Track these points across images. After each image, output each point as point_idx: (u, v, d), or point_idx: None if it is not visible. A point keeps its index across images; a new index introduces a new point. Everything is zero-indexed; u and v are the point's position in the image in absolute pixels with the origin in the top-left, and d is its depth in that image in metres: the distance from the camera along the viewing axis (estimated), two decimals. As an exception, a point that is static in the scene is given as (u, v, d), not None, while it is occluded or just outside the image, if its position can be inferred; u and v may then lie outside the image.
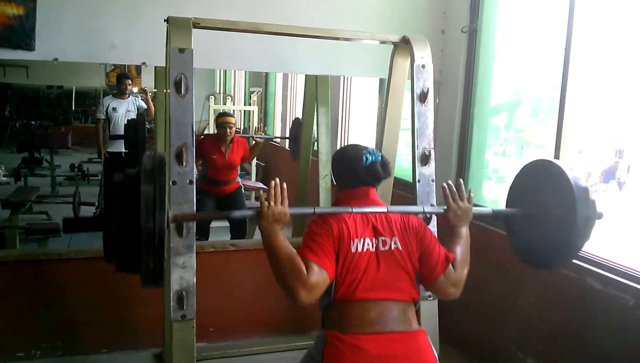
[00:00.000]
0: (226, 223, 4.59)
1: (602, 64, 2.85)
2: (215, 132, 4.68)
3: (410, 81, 2.41)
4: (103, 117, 5.69)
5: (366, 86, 5.56)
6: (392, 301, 1.69)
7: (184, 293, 1.95)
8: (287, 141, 5.49)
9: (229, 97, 9.72)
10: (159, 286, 1.65)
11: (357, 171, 1.77)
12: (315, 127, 4.37)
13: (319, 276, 1.59)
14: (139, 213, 1.46)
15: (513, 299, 2.92)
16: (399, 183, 3.24)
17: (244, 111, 9.93)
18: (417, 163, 2.33)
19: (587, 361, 2.46)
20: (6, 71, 10.76)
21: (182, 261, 1.95)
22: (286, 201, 1.66)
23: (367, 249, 1.68)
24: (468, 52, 3.43)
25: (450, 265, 1.76)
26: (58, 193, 7.42)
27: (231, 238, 4.45)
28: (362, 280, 1.66)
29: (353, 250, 1.66)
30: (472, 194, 1.92)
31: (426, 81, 2.38)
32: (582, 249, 1.89)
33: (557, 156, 2.77)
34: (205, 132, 8.16)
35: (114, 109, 5.65)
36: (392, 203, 2.25)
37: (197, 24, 2.15)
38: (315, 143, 4.39)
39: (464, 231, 1.88)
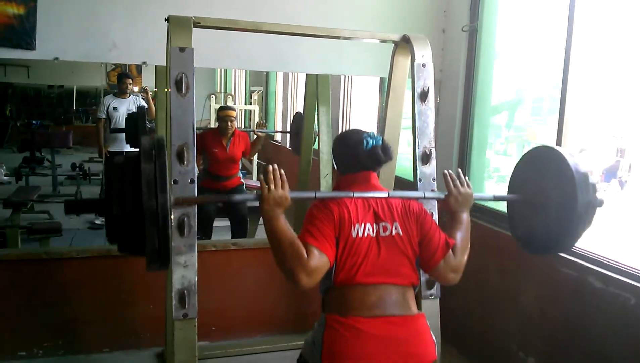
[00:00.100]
0: (228, 222, 4.60)
1: (603, 62, 2.85)
2: (217, 126, 4.68)
3: (410, 79, 2.41)
4: (104, 116, 5.70)
5: (367, 85, 5.56)
6: (392, 285, 1.71)
7: (185, 292, 1.95)
8: (288, 137, 5.49)
9: (230, 97, 9.72)
10: (165, 267, 1.66)
11: (358, 155, 1.78)
12: (316, 126, 4.38)
13: (319, 260, 1.61)
14: (141, 193, 1.47)
15: (514, 298, 2.92)
16: (399, 181, 3.24)
17: (245, 110, 9.93)
18: (418, 162, 2.33)
19: (587, 360, 2.46)
20: (7, 70, 10.77)
21: (183, 260, 1.95)
22: (287, 185, 1.67)
23: (368, 234, 1.69)
24: (469, 51, 3.43)
25: (450, 250, 1.77)
26: (59, 193, 7.43)
27: (232, 237, 4.45)
28: (363, 264, 1.67)
29: (354, 234, 1.67)
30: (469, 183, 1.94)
31: (427, 79, 2.38)
32: (583, 237, 1.90)
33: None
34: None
35: (115, 108, 5.65)
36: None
37: (198, 23, 2.16)
38: (316, 140, 4.39)
39: (465, 216, 1.89)
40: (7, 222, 4.49)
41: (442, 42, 3.56)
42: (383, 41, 2.63)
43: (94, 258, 3.22)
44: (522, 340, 2.87)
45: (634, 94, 2.85)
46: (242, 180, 4.75)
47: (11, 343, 3.10)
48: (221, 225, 4.62)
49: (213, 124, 7.33)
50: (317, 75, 4.26)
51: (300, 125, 4.68)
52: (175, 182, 1.91)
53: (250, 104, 9.78)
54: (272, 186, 1.64)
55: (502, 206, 3.19)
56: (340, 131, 5.66)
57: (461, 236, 1.83)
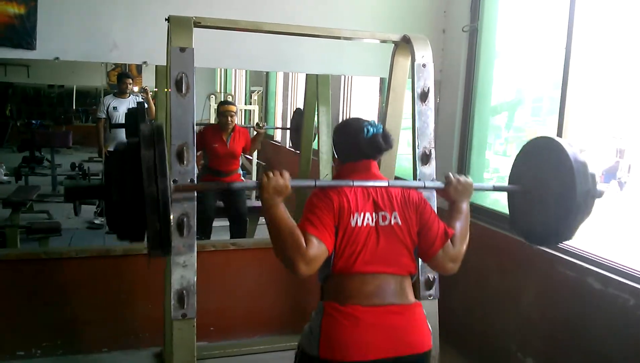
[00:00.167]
0: (227, 222, 4.60)
1: (603, 63, 2.85)
2: (217, 121, 4.67)
3: (410, 80, 2.41)
4: (104, 116, 5.69)
5: (367, 85, 5.56)
6: (390, 275, 1.71)
7: (184, 292, 1.95)
8: (288, 137, 5.49)
9: (230, 97, 9.71)
10: (167, 253, 1.66)
11: (359, 143, 1.77)
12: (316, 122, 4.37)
13: (318, 249, 1.61)
14: (141, 179, 1.47)
15: (513, 299, 2.92)
16: (399, 182, 3.24)
17: (245, 110, 9.93)
18: (418, 162, 2.33)
19: (587, 360, 2.46)
20: (7, 70, 10.75)
21: (182, 260, 1.96)
22: (287, 174, 1.68)
23: (367, 223, 1.69)
24: (469, 51, 3.43)
25: (449, 240, 1.77)
26: (59, 192, 7.42)
27: (231, 237, 4.45)
28: (362, 253, 1.67)
29: (353, 224, 1.67)
30: None
31: (427, 80, 2.39)
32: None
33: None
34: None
35: (115, 108, 5.65)
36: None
37: (198, 23, 2.16)
38: (316, 137, 4.39)
39: (465, 206, 1.88)
40: (6, 222, 4.49)
41: (442, 43, 3.56)
42: (383, 41, 2.63)
43: (93, 258, 3.22)
44: (521, 340, 2.87)
45: (633, 95, 2.85)
46: (242, 178, 4.75)
47: (10, 343, 3.10)
48: (220, 225, 4.62)
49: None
50: (317, 75, 4.26)
51: (300, 121, 4.68)
52: (175, 182, 1.91)
53: (250, 104, 9.77)
54: (272, 174, 1.65)
55: (501, 207, 3.20)
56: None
57: (460, 226, 1.83)
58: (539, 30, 3.13)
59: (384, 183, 1.77)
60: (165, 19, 2.14)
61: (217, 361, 3.23)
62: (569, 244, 2.67)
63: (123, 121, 5.44)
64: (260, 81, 10.13)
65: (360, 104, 5.64)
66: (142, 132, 1.54)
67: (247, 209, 4.64)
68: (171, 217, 1.57)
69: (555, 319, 2.65)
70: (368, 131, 1.76)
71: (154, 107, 5.46)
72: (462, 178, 1.88)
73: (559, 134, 2.77)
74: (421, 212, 1.77)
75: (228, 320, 3.42)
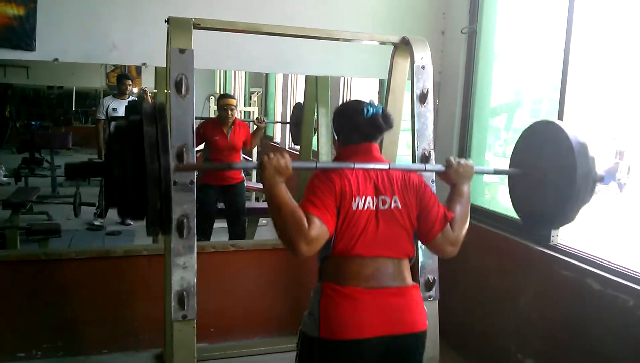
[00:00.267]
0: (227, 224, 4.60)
1: (602, 65, 2.85)
2: (217, 115, 4.64)
3: (410, 81, 2.41)
4: (103, 117, 5.69)
5: (366, 87, 5.56)
6: (388, 258, 1.73)
7: (184, 293, 1.96)
8: (288, 138, 5.48)
9: (229, 97, 9.70)
10: (166, 232, 1.65)
11: (359, 124, 1.77)
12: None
13: (320, 229, 1.61)
14: (143, 155, 1.47)
15: (513, 299, 2.92)
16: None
17: (244, 111, 9.93)
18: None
19: (587, 361, 2.46)
20: (7, 71, 10.75)
21: (182, 261, 1.96)
22: (288, 155, 1.68)
23: (368, 207, 1.70)
24: (468, 53, 3.44)
25: (449, 224, 1.77)
26: (58, 194, 7.41)
27: (230, 238, 4.44)
28: (362, 236, 1.69)
29: (354, 207, 1.68)
30: None
31: (426, 81, 2.39)
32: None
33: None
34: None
35: (114, 109, 5.65)
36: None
37: (198, 25, 2.16)
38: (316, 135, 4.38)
39: (465, 189, 1.87)
40: (6, 223, 4.49)
41: (441, 44, 3.57)
42: (382, 43, 2.64)
43: (92, 259, 3.22)
44: (521, 340, 2.87)
45: (633, 96, 2.85)
46: (243, 174, 4.70)
47: (10, 345, 3.10)
48: (220, 226, 4.62)
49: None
50: (316, 77, 4.26)
51: (300, 115, 4.66)
52: (175, 183, 1.91)
53: (250, 105, 9.78)
54: (273, 155, 1.65)
55: (500, 208, 3.20)
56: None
57: (461, 209, 1.82)
58: (537, 32, 3.14)
59: (385, 166, 1.77)
60: (165, 21, 2.14)
61: (217, 362, 3.23)
62: (568, 245, 2.67)
63: (122, 121, 5.43)
64: (260, 82, 10.13)
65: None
66: (145, 110, 1.54)
67: (246, 210, 4.63)
68: (171, 193, 1.55)
69: (555, 319, 2.65)
70: (368, 110, 1.77)
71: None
72: (463, 161, 1.87)
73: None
74: (421, 196, 1.78)
75: (228, 321, 3.42)
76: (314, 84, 4.37)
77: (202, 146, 4.46)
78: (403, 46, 2.49)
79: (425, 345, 1.78)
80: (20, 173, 8.05)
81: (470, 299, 3.26)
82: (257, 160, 7.14)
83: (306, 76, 4.66)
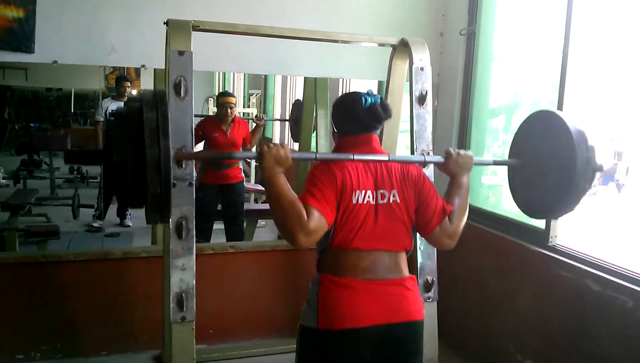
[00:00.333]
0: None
1: (600, 66, 2.86)
2: (216, 113, 4.62)
3: (408, 83, 2.42)
4: (102, 119, 5.71)
5: (365, 88, 5.56)
6: (385, 251, 1.74)
7: (183, 295, 1.96)
8: (288, 133, 5.47)
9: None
10: (165, 220, 1.65)
11: (357, 114, 1.77)
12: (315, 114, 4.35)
13: (319, 222, 1.61)
14: (143, 141, 1.46)
15: (511, 300, 2.93)
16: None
17: (243, 113, 9.93)
18: (416, 165, 2.34)
19: (586, 362, 2.46)
20: (5, 73, 10.70)
21: (181, 263, 1.96)
22: (287, 146, 1.68)
23: (368, 201, 1.71)
24: (466, 54, 3.44)
25: (447, 217, 1.78)
26: (57, 196, 7.41)
27: (227, 239, 4.43)
28: (360, 230, 1.70)
29: (354, 201, 1.69)
30: None
31: (425, 83, 2.40)
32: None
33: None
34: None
35: (113, 111, 5.65)
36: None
37: (197, 27, 2.17)
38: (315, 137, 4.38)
39: (465, 180, 1.86)
40: (4, 225, 4.48)
41: (440, 46, 3.57)
42: (381, 45, 2.64)
43: (91, 261, 3.21)
44: (519, 341, 2.88)
45: (631, 98, 2.86)
46: (242, 174, 4.68)
47: (9, 346, 3.09)
48: (220, 228, 4.62)
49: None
50: (315, 78, 4.27)
51: (299, 112, 4.65)
52: (174, 185, 1.91)
53: (249, 107, 9.78)
54: (272, 145, 1.65)
55: (499, 209, 3.21)
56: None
57: (459, 202, 1.82)
58: (536, 34, 3.14)
59: (385, 157, 1.77)
60: (164, 23, 2.14)
61: (216, 364, 3.23)
62: (567, 246, 2.68)
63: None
64: (259, 84, 10.12)
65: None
66: (144, 96, 1.55)
67: (244, 211, 4.62)
68: (171, 179, 1.55)
69: (553, 321, 2.65)
70: (366, 100, 1.77)
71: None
72: (462, 152, 1.87)
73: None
74: (420, 188, 1.79)
75: (227, 322, 3.42)
76: (312, 85, 4.38)
77: (201, 145, 4.45)
78: (402, 48, 2.50)
79: (422, 335, 1.79)
80: (18, 175, 8.04)
81: (469, 300, 3.26)
82: (255, 163, 7.15)
83: (305, 78, 4.66)
